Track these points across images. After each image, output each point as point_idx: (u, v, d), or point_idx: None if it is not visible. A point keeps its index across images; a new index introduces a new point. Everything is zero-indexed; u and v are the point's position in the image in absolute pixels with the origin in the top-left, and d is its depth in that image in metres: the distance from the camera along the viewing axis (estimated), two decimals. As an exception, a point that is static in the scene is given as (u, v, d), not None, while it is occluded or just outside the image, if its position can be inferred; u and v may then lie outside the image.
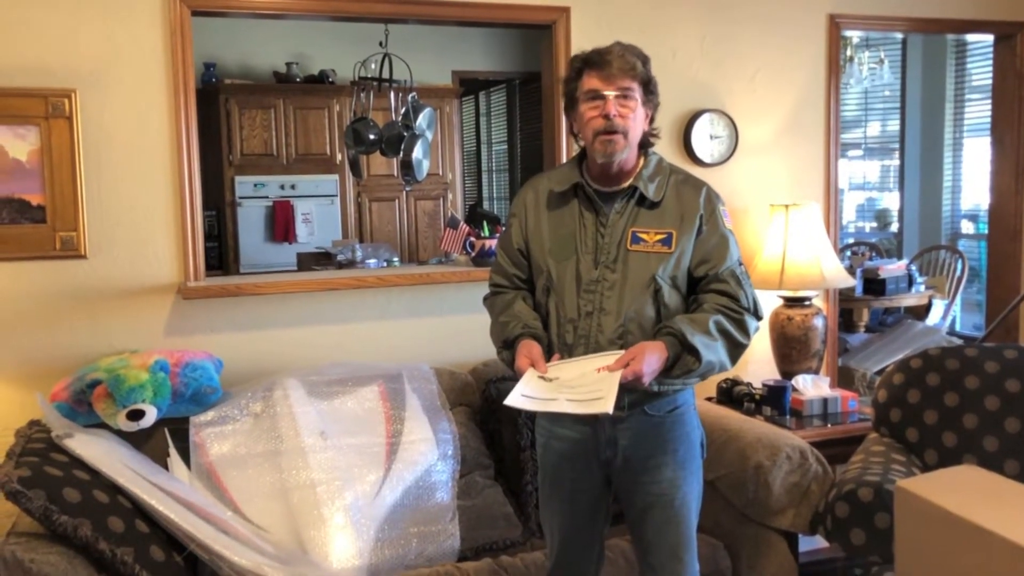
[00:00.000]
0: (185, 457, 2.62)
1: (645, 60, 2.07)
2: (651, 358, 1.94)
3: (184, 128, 2.90)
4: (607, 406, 1.85)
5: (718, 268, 2.07)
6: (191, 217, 2.93)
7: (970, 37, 5.41)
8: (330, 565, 2.43)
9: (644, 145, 2.13)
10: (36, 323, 2.80)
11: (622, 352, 1.99)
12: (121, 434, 2.55)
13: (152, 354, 2.68)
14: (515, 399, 1.95)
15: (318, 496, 2.54)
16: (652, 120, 2.13)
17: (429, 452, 2.76)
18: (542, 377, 2.00)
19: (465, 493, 2.78)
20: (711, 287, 2.07)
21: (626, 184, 2.10)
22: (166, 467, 2.58)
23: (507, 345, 2.13)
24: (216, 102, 6.03)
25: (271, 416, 2.70)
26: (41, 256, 2.79)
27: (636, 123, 2.05)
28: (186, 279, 2.93)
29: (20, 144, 2.74)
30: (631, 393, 2.05)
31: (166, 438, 2.63)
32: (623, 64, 2.01)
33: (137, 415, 2.52)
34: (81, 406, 2.55)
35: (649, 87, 2.07)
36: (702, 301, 2.06)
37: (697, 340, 1.97)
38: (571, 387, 1.95)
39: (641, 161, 2.12)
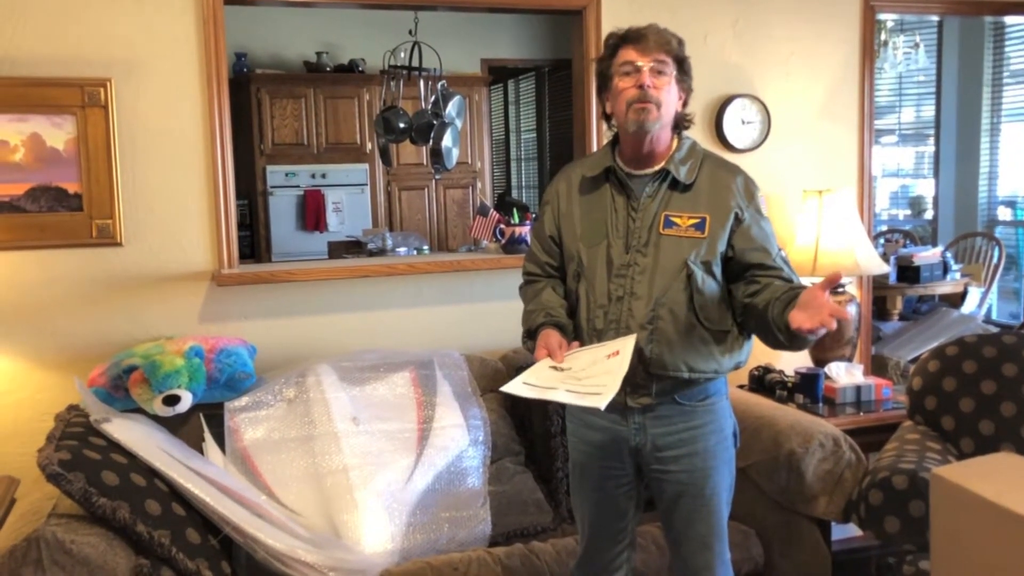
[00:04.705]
0: (220, 442, 2.65)
1: (680, 41, 2.08)
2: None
3: (217, 116, 2.92)
4: (602, 401, 1.81)
5: (771, 255, 2.07)
6: (225, 205, 2.96)
7: (1009, 19, 5.30)
8: (362, 549, 2.45)
9: (678, 128, 2.12)
10: (73, 309, 2.84)
11: (631, 337, 1.97)
12: (157, 419, 2.59)
13: (187, 340, 2.72)
14: (515, 386, 1.94)
15: (351, 481, 2.56)
16: (685, 104, 2.11)
17: (460, 438, 2.77)
18: (554, 367, 1.98)
19: (496, 479, 2.79)
20: (767, 273, 2.05)
21: (658, 167, 2.09)
22: (201, 452, 2.62)
23: (530, 335, 2.14)
24: (247, 92, 6.07)
25: (304, 401, 2.73)
26: (78, 243, 2.83)
27: (670, 98, 2.04)
28: (220, 266, 2.96)
29: (57, 133, 2.78)
30: (661, 382, 2.04)
31: (201, 423, 2.67)
32: (659, 39, 2.02)
33: (173, 400, 2.56)
34: (118, 391, 2.59)
35: (683, 67, 2.07)
36: (765, 284, 2.03)
37: None
38: (577, 378, 1.92)
39: (675, 144, 2.11)
